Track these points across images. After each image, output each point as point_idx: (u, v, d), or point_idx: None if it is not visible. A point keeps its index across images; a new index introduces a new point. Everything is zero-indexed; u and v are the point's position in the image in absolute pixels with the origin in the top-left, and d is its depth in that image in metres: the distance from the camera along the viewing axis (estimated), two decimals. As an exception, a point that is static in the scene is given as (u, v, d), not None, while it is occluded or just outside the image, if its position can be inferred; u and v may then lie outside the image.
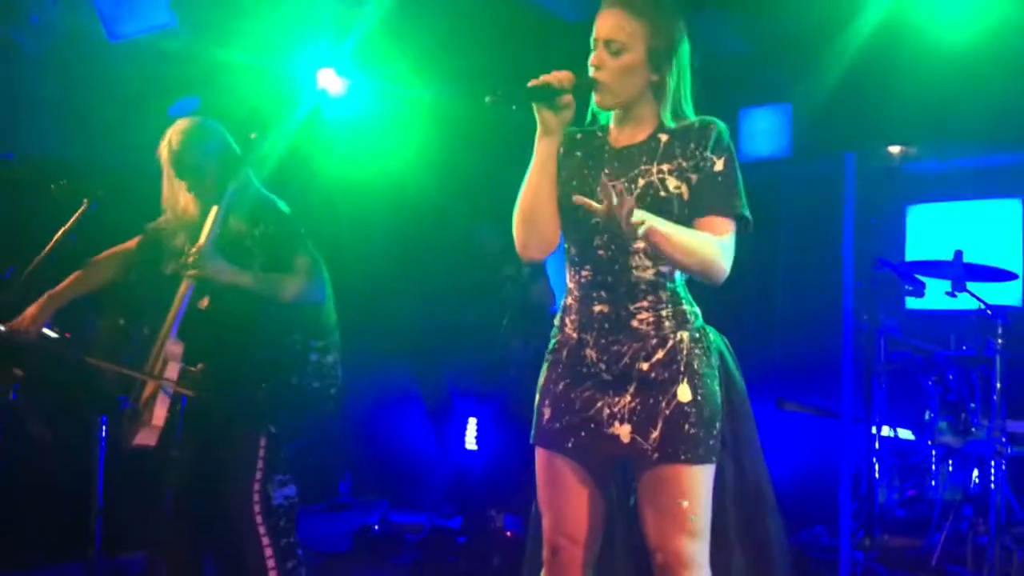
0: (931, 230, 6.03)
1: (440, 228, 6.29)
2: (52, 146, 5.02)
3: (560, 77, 2.33)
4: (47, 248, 3.36)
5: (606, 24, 2.38)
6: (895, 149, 5.52)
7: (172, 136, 3.29)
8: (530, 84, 2.32)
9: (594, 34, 2.40)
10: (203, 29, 4.92)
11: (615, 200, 2.10)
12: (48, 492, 4.35)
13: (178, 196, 3.34)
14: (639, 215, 2.14)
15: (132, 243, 3.52)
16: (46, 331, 3.44)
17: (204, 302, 3.27)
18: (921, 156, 5.69)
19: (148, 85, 5.04)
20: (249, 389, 3.24)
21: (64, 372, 3.58)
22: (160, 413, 3.06)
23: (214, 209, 3.21)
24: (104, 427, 4.02)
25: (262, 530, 3.15)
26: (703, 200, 2.36)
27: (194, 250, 3.15)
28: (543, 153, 2.41)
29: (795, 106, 5.62)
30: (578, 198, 2.24)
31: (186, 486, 3.29)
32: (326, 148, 6.04)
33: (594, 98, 2.43)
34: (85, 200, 3.42)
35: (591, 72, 2.38)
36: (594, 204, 2.17)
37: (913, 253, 5.92)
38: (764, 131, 5.63)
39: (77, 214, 3.40)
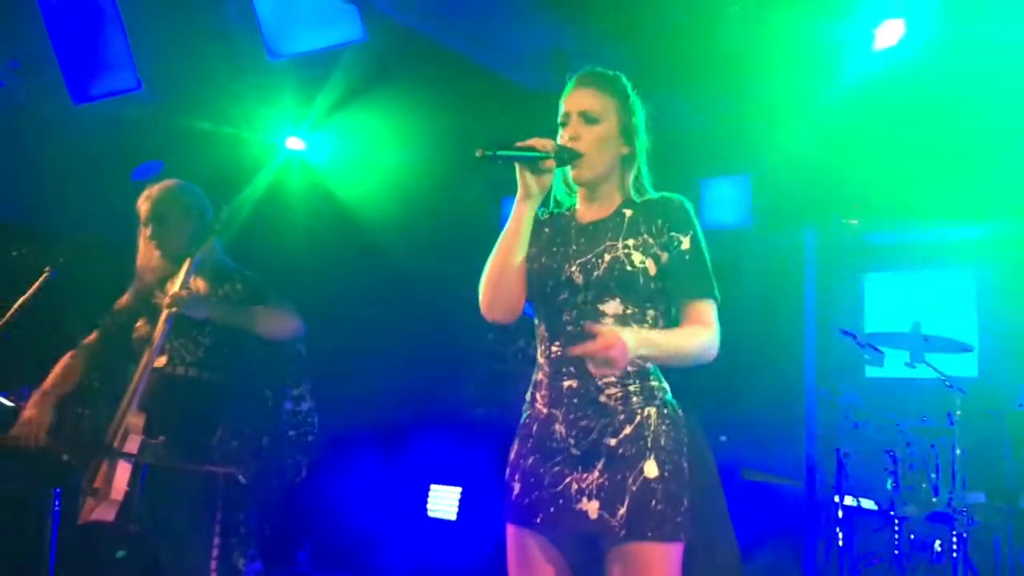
0: (888, 297, 6.12)
1: (407, 292, 6.28)
2: (10, 210, 4.97)
3: (544, 143, 2.38)
4: (8, 315, 3.31)
5: (580, 98, 2.45)
6: (853, 221, 5.62)
7: (154, 189, 3.31)
8: (517, 144, 2.36)
9: (565, 109, 2.47)
10: (168, 95, 4.94)
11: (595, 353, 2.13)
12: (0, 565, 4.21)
13: (147, 252, 3.33)
14: (625, 339, 2.16)
15: (92, 337, 3.46)
16: (2, 400, 3.37)
17: (162, 360, 3.22)
18: (878, 227, 5.80)
19: (112, 150, 5.03)
20: (210, 458, 3.18)
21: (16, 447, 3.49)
22: (119, 487, 3.00)
23: (186, 263, 3.20)
24: (57, 500, 3.93)
25: (223, 608, 3.07)
26: (681, 283, 2.41)
27: (172, 291, 3.14)
28: (520, 216, 2.44)
29: (753, 177, 5.71)
30: (588, 324, 2.25)
31: (140, 563, 3.20)
32: (291, 211, 6.05)
33: (570, 173, 2.48)
34: (47, 268, 3.39)
35: (566, 143, 2.43)
36: (595, 333, 2.18)
37: (871, 320, 6.01)
38: (724, 201, 5.71)
39: (39, 282, 3.36)
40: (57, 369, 3.37)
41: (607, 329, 2.20)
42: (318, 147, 6.05)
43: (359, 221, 6.07)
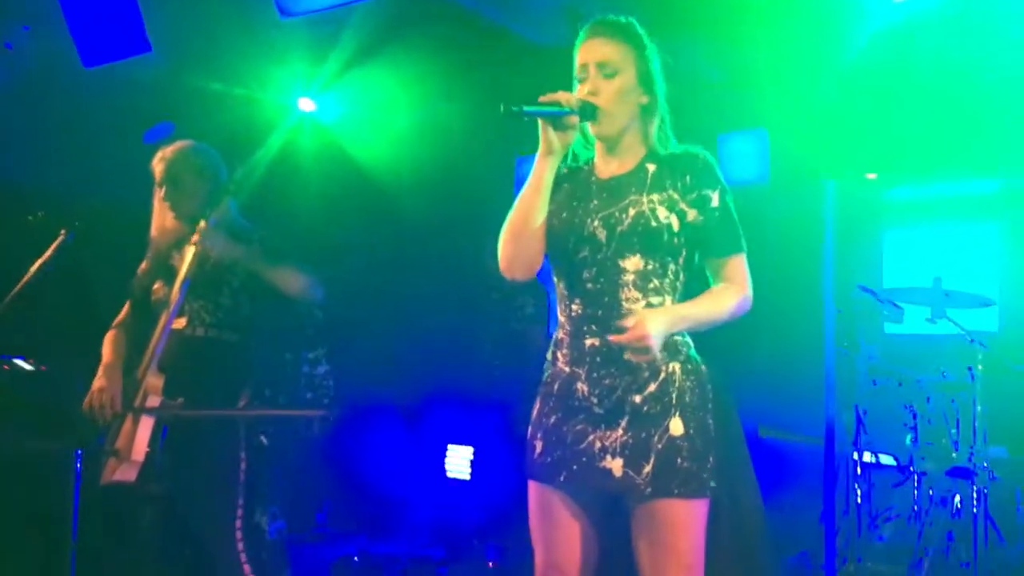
0: (909, 255, 6.07)
1: (421, 253, 6.26)
2: (25, 174, 4.95)
3: (568, 97, 2.33)
4: (25, 279, 3.31)
5: (596, 50, 2.40)
6: (872, 176, 5.56)
7: (167, 150, 3.29)
8: (540, 99, 2.32)
9: (581, 61, 2.42)
10: (179, 56, 4.89)
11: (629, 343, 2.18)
12: (24, 527, 4.25)
13: (162, 213, 3.32)
14: (657, 326, 2.19)
15: (125, 310, 3.47)
16: (22, 363, 3.38)
17: (181, 322, 3.22)
18: (899, 182, 5.73)
19: (123, 113, 5.00)
20: (229, 419, 3.18)
21: (41, 405, 3.50)
22: (140, 448, 3.01)
23: (202, 223, 3.18)
24: (79, 461, 3.95)
25: (247, 568, 3.08)
26: (713, 242, 2.40)
27: (201, 227, 3.13)
28: (541, 173, 2.39)
29: (771, 132, 5.64)
30: (617, 323, 2.26)
31: (164, 523, 3.22)
32: (304, 173, 6.02)
33: (590, 127, 2.43)
34: (63, 231, 3.38)
35: (587, 98, 2.38)
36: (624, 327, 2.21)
37: (890, 278, 5.96)
38: (742, 157, 5.64)
39: (55, 245, 3.35)
40: (109, 343, 3.37)
41: (637, 320, 2.19)
42: (330, 108, 6.00)
43: (372, 181, 6.03)
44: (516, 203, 2.42)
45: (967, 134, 4.98)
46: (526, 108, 2.28)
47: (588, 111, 2.37)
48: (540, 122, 2.35)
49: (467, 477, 5.75)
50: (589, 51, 2.41)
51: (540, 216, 2.40)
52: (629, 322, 2.20)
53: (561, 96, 2.33)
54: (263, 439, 3.23)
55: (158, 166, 3.32)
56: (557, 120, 2.33)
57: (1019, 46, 4.58)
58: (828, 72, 4.98)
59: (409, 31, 5.02)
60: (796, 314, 5.03)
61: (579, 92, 2.40)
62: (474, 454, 5.70)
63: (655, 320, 2.21)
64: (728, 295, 2.39)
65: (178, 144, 3.35)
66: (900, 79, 4.95)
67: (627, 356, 2.22)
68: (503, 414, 5.24)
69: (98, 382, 3.24)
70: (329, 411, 3.14)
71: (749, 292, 2.41)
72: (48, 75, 4.76)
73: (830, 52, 4.90)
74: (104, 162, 4.74)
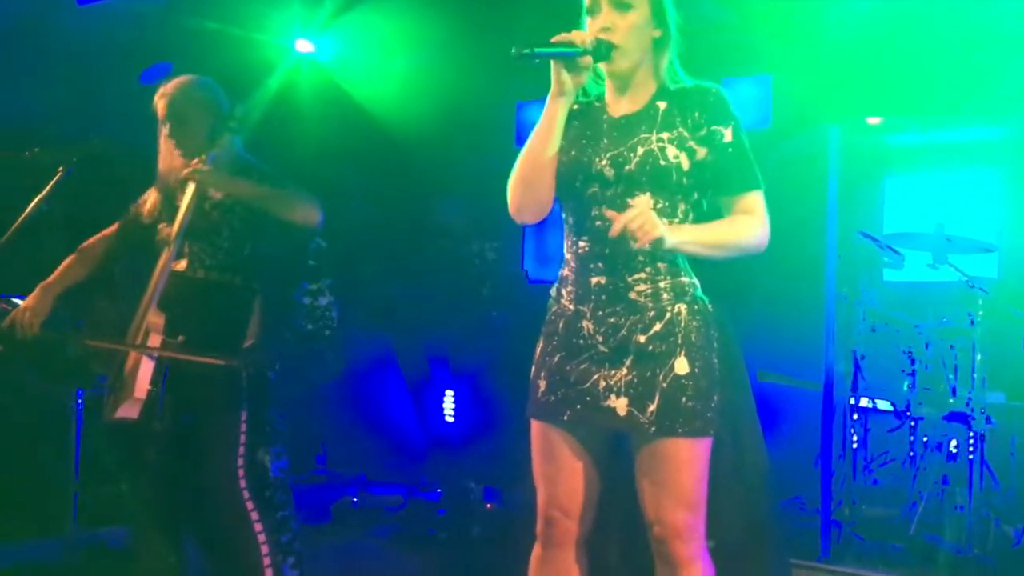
0: (909, 201, 6.05)
1: (415, 199, 6.24)
2: (22, 112, 4.90)
3: (583, 36, 2.28)
4: (22, 216, 3.29)
5: None
6: (874, 120, 5.52)
7: (169, 86, 3.26)
8: (553, 40, 2.26)
9: None
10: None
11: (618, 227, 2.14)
12: (25, 466, 4.28)
13: (170, 153, 3.29)
14: (664, 233, 2.17)
15: (112, 229, 3.45)
16: (20, 303, 3.37)
17: (181, 264, 3.21)
18: (901, 128, 5.69)
19: (119, 52, 4.93)
20: (231, 357, 3.17)
21: (42, 346, 3.49)
22: (142, 385, 3.01)
23: (202, 158, 3.15)
24: (80, 400, 3.96)
25: (250, 505, 3.09)
26: (727, 178, 2.37)
27: (195, 165, 3.11)
28: (552, 115, 2.35)
29: (774, 77, 5.59)
30: (609, 212, 2.23)
31: (167, 460, 3.23)
32: (301, 115, 5.97)
33: (601, 65, 2.38)
34: (60, 168, 3.35)
35: (599, 34, 2.31)
36: (617, 219, 2.18)
37: (891, 224, 5.94)
38: (744, 101, 5.60)
39: (52, 182, 3.33)
40: (62, 265, 3.38)
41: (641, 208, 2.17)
42: (328, 49, 5.94)
43: (371, 122, 5.98)
44: (526, 145, 2.38)
45: (970, 80, 4.93)
46: (538, 50, 2.21)
47: (603, 50, 2.30)
48: (552, 63, 2.29)
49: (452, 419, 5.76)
50: None
51: (550, 156, 2.36)
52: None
53: (576, 35, 2.27)
54: (270, 376, 3.24)
55: (159, 103, 3.28)
56: (571, 61, 2.28)
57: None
58: (832, 16, 4.92)
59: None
60: (797, 259, 5.03)
61: (590, 28, 2.34)
62: (465, 397, 5.70)
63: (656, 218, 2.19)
64: (744, 224, 2.35)
65: (179, 80, 3.30)
66: (903, 24, 4.89)
67: (614, 232, 2.16)
68: (499, 355, 5.25)
69: (27, 301, 3.28)
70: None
71: (767, 227, 2.37)
72: (41, 14, 4.68)
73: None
74: (101, 100, 4.69)
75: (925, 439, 4.70)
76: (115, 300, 3.51)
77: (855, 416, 4.82)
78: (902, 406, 4.71)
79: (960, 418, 4.39)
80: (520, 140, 6.02)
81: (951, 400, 4.48)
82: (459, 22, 5.38)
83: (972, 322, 4.35)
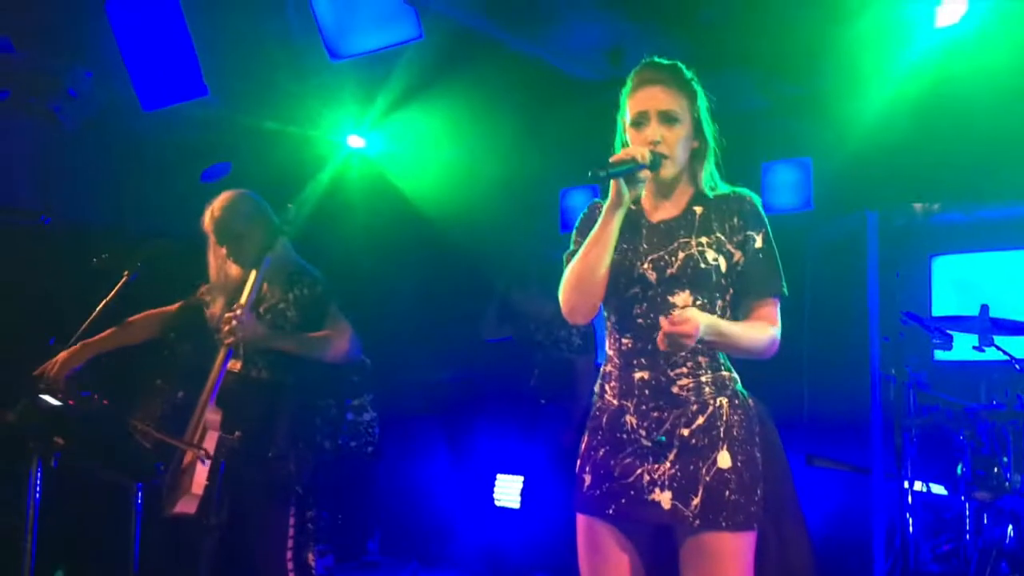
0: (957, 280, 6.03)
1: (467, 285, 6.35)
2: (87, 213, 5.13)
3: (642, 152, 2.38)
4: (91, 318, 3.44)
5: (658, 98, 2.44)
6: (918, 206, 5.55)
7: (215, 205, 3.41)
8: (613, 159, 2.38)
9: (641, 108, 2.45)
10: (234, 98, 5.05)
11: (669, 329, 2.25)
12: (86, 557, 4.37)
13: (220, 264, 3.44)
14: (700, 320, 2.27)
15: (174, 307, 3.62)
16: (85, 399, 3.49)
17: (237, 365, 3.34)
18: (945, 209, 5.71)
19: (181, 153, 5.16)
20: (281, 456, 3.28)
21: (103, 440, 3.62)
22: (200, 481, 3.10)
23: (252, 274, 3.29)
24: (140, 494, 4.05)
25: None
26: (753, 282, 2.47)
27: (230, 315, 3.22)
28: (608, 225, 2.43)
29: (815, 160, 5.66)
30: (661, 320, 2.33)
31: (221, 554, 3.31)
32: (352, 206, 6.15)
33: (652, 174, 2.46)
34: (126, 271, 3.51)
35: (649, 146, 2.42)
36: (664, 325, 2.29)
37: (939, 303, 5.92)
38: (786, 184, 5.67)
39: (119, 285, 3.49)
40: (115, 328, 3.53)
41: (686, 310, 2.30)
42: (378, 144, 6.14)
43: (419, 216, 6.14)
44: (582, 252, 2.45)
45: (1012, 159, 4.96)
46: (612, 171, 2.34)
47: (657, 162, 2.42)
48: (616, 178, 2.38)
49: (516, 506, 5.79)
50: (649, 99, 2.45)
51: (605, 265, 2.45)
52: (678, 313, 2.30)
53: (636, 151, 2.38)
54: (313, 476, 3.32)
55: (208, 223, 3.43)
56: (632, 176, 2.39)
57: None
58: (872, 99, 4.99)
59: (453, 70, 5.13)
60: (843, 342, 5.04)
61: (635, 140, 2.45)
62: (524, 483, 5.74)
63: (700, 314, 2.30)
64: (763, 330, 2.45)
65: (224, 196, 3.45)
66: (943, 106, 4.94)
67: (660, 343, 2.27)
68: (551, 445, 5.28)
69: (62, 354, 3.40)
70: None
71: (778, 336, 2.47)
72: (110, 119, 4.93)
73: (874, 80, 4.92)
74: (165, 201, 4.90)
75: (984, 523, 4.61)
76: (170, 380, 3.64)
77: (909, 500, 4.74)
78: (957, 490, 4.64)
79: (1016, 503, 4.31)
80: (565, 226, 6.16)
81: (1006, 484, 4.41)
82: (502, 114, 5.55)
83: (1021, 404, 4.31)
